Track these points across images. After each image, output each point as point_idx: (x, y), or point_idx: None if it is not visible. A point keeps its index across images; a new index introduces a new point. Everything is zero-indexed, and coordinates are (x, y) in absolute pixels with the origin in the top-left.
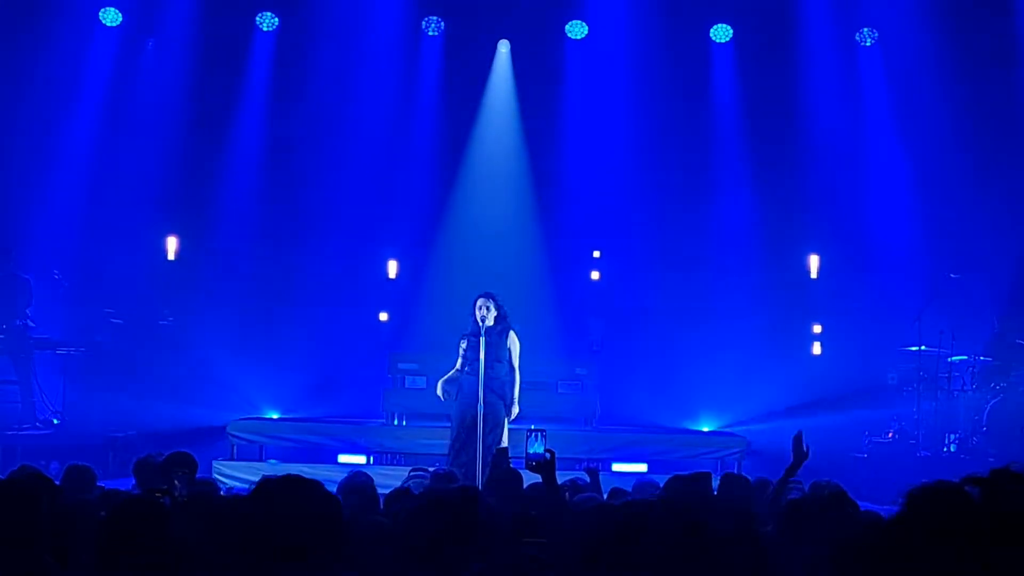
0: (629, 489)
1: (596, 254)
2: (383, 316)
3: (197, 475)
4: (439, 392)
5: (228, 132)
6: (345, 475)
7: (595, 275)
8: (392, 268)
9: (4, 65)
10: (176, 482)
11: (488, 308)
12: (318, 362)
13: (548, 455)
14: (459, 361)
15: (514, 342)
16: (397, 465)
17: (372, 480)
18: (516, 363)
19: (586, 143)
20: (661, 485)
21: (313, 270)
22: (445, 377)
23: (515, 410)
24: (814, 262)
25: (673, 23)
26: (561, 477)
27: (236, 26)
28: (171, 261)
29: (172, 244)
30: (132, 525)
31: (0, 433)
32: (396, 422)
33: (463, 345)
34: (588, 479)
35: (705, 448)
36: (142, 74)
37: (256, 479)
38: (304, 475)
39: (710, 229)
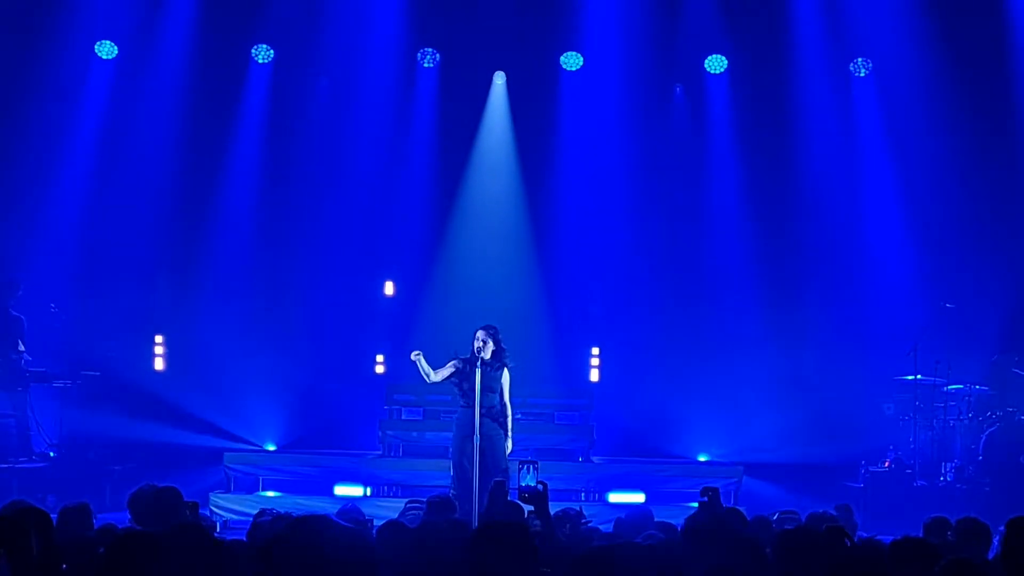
0: (623, 516)
1: (593, 285)
2: (379, 349)
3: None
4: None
5: (223, 163)
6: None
7: (593, 308)
8: (389, 299)
9: (1, 97)
10: (188, 513)
11: (485, 342)
12: (315, 394)
13: (541, 487)
14: (439, 373)
15: (505, 378)
16: (394, 497)
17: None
18: (507, 398)
19: (581, 173)
20: (653, 514)
21: (309, 302)
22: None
23: (508, 445)
24: (809, 291)
25: (668, 55)
26: (556, 508)
27: (232, 58)
28: (166, 290)
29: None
30: (129, 560)
31: None
32: (392, 453)
33: (455, 365)
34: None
35: (701, 478)
36: (138, 106)
37: (252, 511)
38: (300, 507)
39: (706, 257)
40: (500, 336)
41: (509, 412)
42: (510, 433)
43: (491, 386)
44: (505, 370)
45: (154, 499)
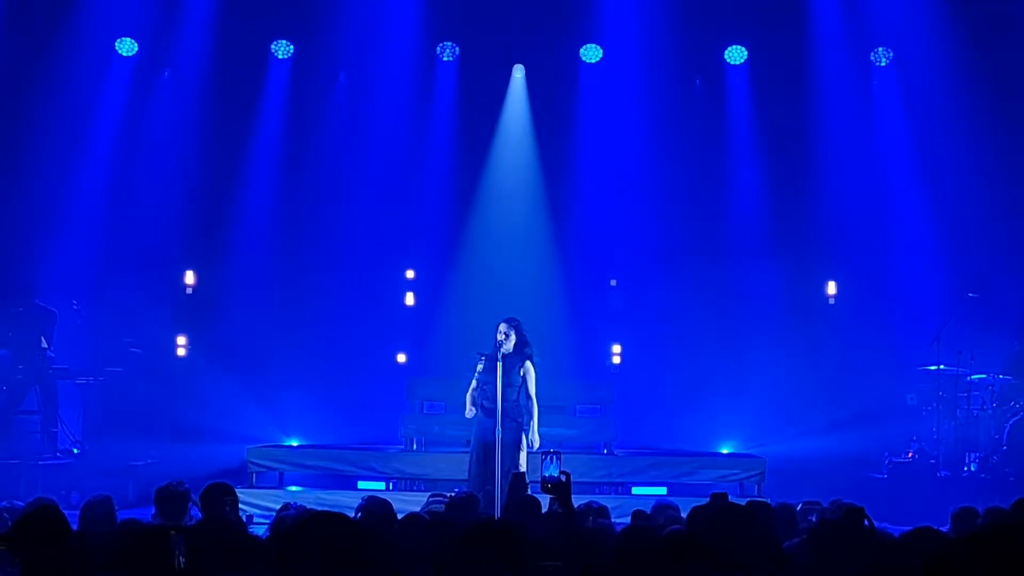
0: (648, 511)
1: (613, 281)
2: (400, 343)
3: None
4: (468, 409)
5: (244, 159)
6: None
7: (612, 301)
8: (410, 294)
9: (22, 95)
10: (227, 509)
11: (507, 335)
12: (337, 389)
13: (563, 477)
14: (473, 381)
15: (529, 371)
16: (416, 491)
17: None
18: (532, 391)
19: (601, 166)
20: (679, 507)
21: (331, 297)
22: (469, 391)
23: (535, 440)
24: (831, 283)
25: (688, 46)
26: (578, 500)
27: (251, 54)
28: (189, 288)
29: (190, 275)
30: (141, 557)
31: (21, 463)
32: (414, 448)
33: (479, 366)
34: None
35: (724, 470)
36: (158, 103)
37: (275, 506)
38: (323, 502)
39: (727, 250)
40: (524, 328)
41: (535, 406)
42: (535, 428)
43: (510, 380)
44: (528, 363)
45: (182, 496)
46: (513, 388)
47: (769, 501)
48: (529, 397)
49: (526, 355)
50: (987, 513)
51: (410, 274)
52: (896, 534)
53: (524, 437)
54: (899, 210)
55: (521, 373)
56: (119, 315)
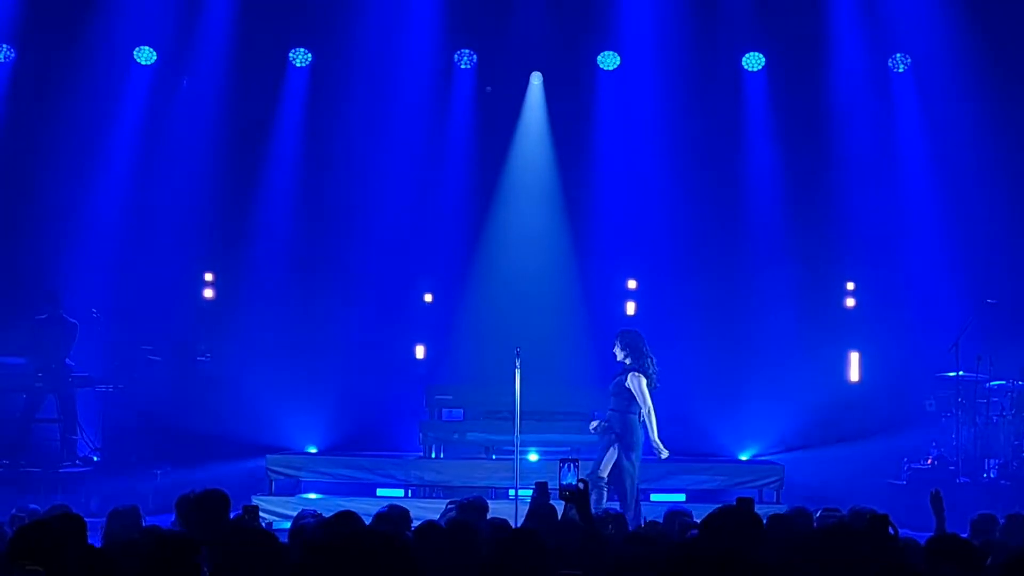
0: (660, 519)
1: (632, 284)
2: (419, 349)
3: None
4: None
5: (262, 168)
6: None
7: (631, 308)
8: (428, 301)
9: (41, 105)
10: (246, 517)
11: (616, 349)
12: (355, 396)
13: (581, 485)
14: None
15: (632, 381)
16: (435, 498)
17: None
18: (640, 400)
19: (619, 173)
20: (692, 513)
21: (349, 304)
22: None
23: (658, 446)
24: (850, 289)
25: (705, 52)
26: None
27: (269, 62)
28: (208, 297)
29: (209, 279)
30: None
31: (41, 471)
32: (433, 455)
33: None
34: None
35: (743, 477)
36: (177, 112)
37: (294, 513)
38: (342, 509)
39: (745, 257)
40: (633, 340)
41: (650, 415)
42: (654, 434)
43: (614, 391)
44: (630, 375)
45: (199, 502)
46: (615, 398)
47: (786, 506)
48: (627, 408)
49: (628, 368)
50: (1008, 520)
51: (428, 301)
52: (916, 540)
53: (614, 448)
54: (917, 216)
55: (626, 385)
56: (139, 322)
